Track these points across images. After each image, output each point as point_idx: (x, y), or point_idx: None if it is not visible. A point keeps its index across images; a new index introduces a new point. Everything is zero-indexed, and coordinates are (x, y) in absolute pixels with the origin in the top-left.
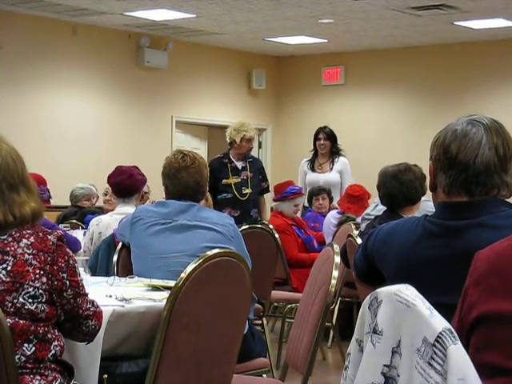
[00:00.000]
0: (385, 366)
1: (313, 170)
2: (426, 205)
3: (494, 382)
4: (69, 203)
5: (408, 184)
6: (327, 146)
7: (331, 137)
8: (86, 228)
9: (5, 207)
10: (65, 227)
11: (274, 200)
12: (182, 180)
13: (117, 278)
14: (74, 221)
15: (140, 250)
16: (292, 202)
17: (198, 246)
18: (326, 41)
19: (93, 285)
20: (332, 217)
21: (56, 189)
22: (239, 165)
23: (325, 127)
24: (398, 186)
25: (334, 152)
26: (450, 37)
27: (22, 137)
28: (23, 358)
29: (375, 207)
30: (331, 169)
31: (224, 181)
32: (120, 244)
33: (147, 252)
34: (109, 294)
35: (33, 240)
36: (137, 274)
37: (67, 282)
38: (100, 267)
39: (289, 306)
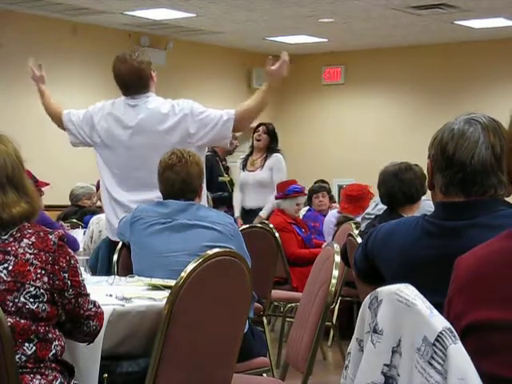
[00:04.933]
0: (385, 365)
1: (244, 168)
2: (426, 204)
3: None
4: (69, 203)
5: (408, 183)
6: (264, 139)
7: (271, 133)
8: (85, 228)
9: None
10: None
11: (276, 198)
12: (169, 179)
13: (117, 277)
14: (75, 220)
15: (140, 250)
16: (294, 200)
17: (197, 245)
18: (326, 40)
19: (93, 284)
20: (332, 216)
21: (57, 188)
22: (225, 164)
23: (269, 124)
24: (399, 185)
25: (271, 149)
26: (451, 36)
27: (22, 136)
28: (24, 358)
29: (375, 206)
30: (262, 166)
31: (220, 178)
32: (120, 243)
33: (147, 251)
34: (109, 294)
35: (34, 240)
36: (137, 273)
37: (68, 282)
38: (100, 267)
39: (289, 305)
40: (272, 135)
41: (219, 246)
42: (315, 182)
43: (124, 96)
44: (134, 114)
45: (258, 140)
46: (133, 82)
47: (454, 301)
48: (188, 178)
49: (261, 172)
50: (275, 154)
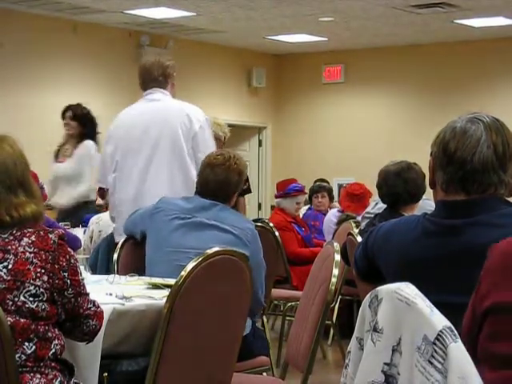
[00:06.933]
0: (385, 364)
1: (56, 158)
2: (427, 203)
3: (500, 374)
4: None
5: (412, 182)
6: (73, 127)
7: (81, 118)
8: (86, 226)
9: (0, 207)
10: (65, 225)
11: (276, 197)
12: (206, 177)
13: (117, 276)
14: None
15: (157, 240)
16: (294, 199)
17: (210, 246)
18: (326, 39)
19: (93, 283)
20: (332, 215)
21: None
22: None
23: (78, 106)
24: (404, 185)
25: (85, 135)
26: (451, 35)
27: (23, 135)
28: (23, 357)
29: (375, 205)
30: (71, 155)
31: None
32: (120, 242)
33: (162, 244)
34: (109, 292)
35: (34, 238)
36: (148, 261)
37: (68, 281)
38: (100, 265)
39: (289, 304)
40: (82, 120)
41: None
42: (315, 181)
43: (144, 91)
44: (150, 107)
45: (68, 129)
46: (153, 72)
47: (483, 281)
48: (224, 182)
49: (65, 163)
50: (86, 142)
